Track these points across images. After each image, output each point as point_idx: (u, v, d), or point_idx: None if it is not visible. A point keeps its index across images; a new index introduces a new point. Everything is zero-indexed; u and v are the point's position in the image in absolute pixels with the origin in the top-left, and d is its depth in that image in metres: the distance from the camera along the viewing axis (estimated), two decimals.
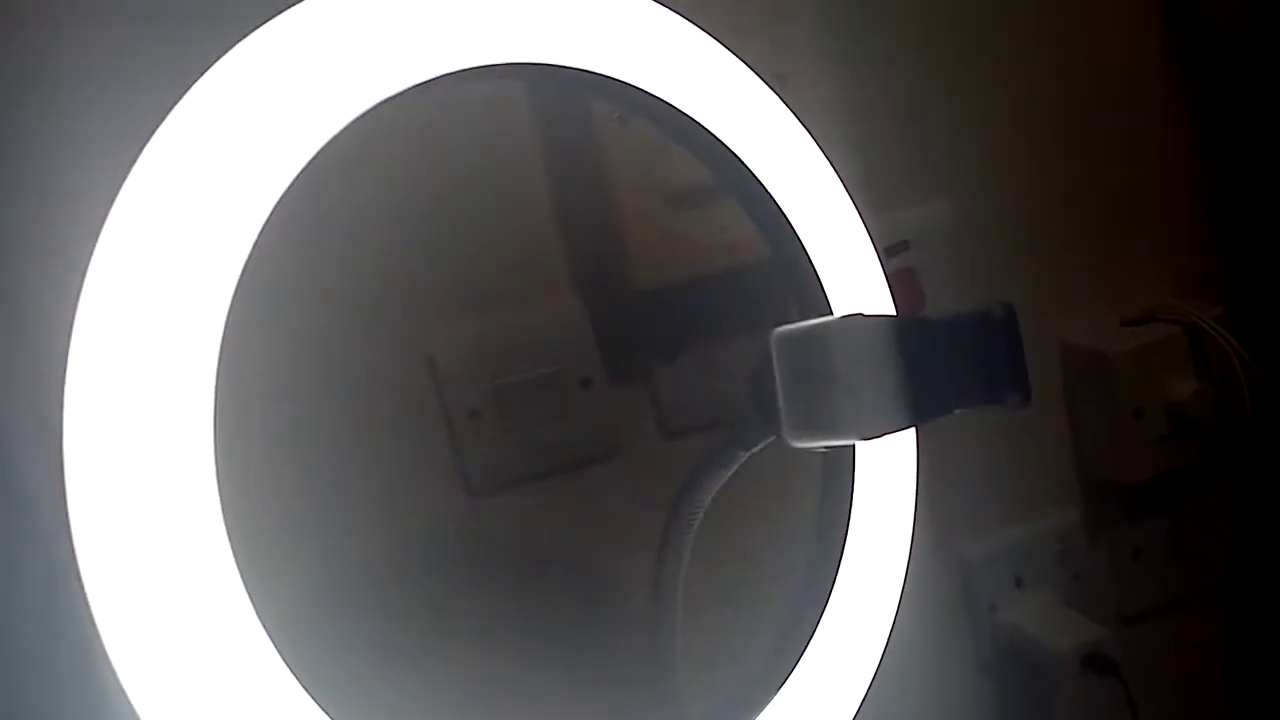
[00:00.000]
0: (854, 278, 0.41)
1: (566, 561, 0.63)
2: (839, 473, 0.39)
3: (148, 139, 0.33)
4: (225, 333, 0.55)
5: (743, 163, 0.36)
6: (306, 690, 0.30)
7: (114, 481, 0.27)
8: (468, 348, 0.60)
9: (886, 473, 0.42)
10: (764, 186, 0.37)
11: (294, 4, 0.34)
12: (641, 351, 0.63)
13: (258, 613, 0.30)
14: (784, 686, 0.37)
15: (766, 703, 0.37)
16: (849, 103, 0.65)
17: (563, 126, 0.59)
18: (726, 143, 0.35)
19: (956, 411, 0.27)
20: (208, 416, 0.29)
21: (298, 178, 0.55)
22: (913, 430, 0.43)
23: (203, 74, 0.33)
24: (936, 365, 0.27)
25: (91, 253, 0.30)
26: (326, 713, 0.30)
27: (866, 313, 0.26)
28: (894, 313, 0.33)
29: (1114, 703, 0.68)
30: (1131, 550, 0.76)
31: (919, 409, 0.27)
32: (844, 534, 0.40)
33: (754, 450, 0.35)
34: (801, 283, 0.38)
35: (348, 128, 0.35)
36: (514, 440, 0.61)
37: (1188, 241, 0.75)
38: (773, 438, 0.33)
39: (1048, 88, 0.72)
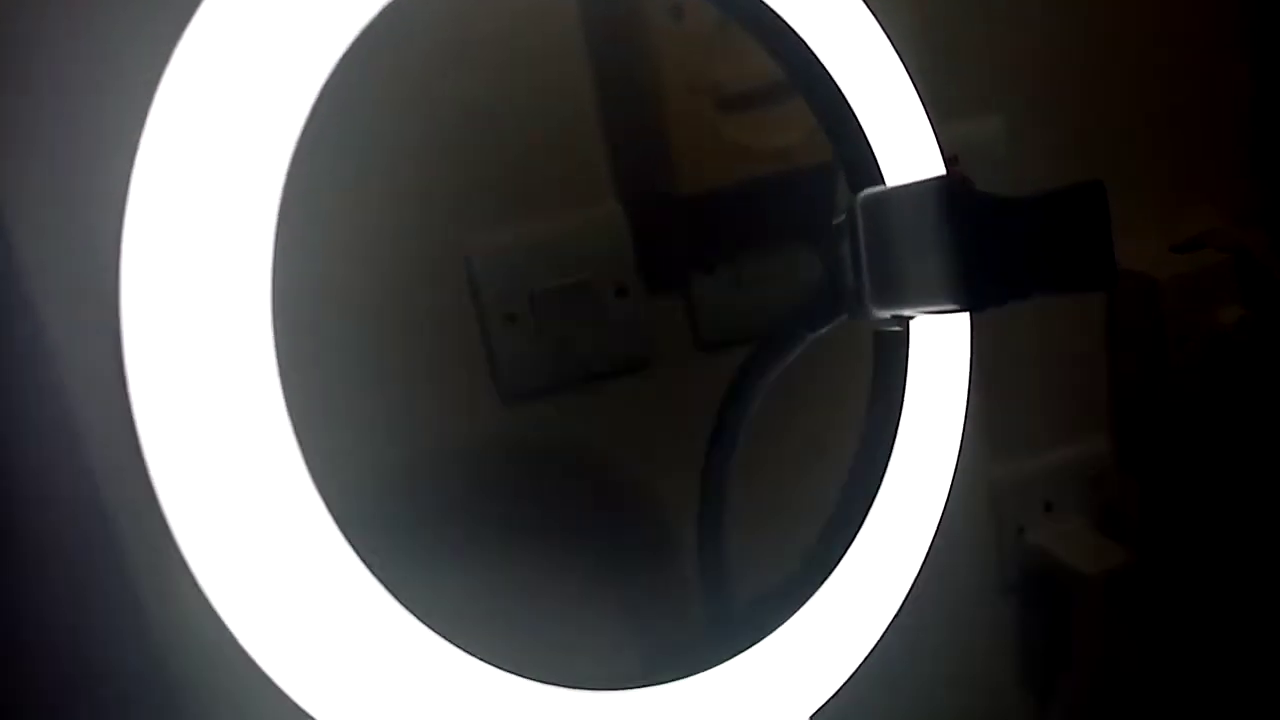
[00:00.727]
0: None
1: (597, 470, 0.63)
2: (893, 367, 0.38)
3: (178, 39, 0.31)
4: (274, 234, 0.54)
5: (809, 49, 0.34)
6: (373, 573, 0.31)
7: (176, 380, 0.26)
8: (505, 251, 0.59)
9: (940, 370, 0.41)
10: (831, 77, 0.35)
11: None
12: (679, 261, 0.62)
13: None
14: (826, 581, 0.37)
15: (808, 598, 0.37)
16: (897, 11, 0.63)
17: (610, 20, 0.57)
18: (792, 25, 0.33)
19: (1043, 294, 0.26)
20: (266, 314, 0.28)
21: (338, 74, 0.54)
22: (967, 331, 0.42)
23: None
24: (1027, 243, 0.26)
25: (131, 166, 0.29)
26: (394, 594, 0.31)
27: (965, 176, 0.25)
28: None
29: (1140, 627, 0.68)
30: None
31: (1013, 284, 0.26)
32: (894, 432, 0.40)
33: (821, 333, 0.34)
34: (862, 186, 0.37)
35: (387, 23, 0.34)
36: (548, 347, 0.60)
37: (1243, 168, 0.73)
38: (843, 317, 0.32)
39: (1106, 5, 0.69)
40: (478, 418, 0.61)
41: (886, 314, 0.29)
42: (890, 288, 0.28)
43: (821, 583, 0.38)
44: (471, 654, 0.33)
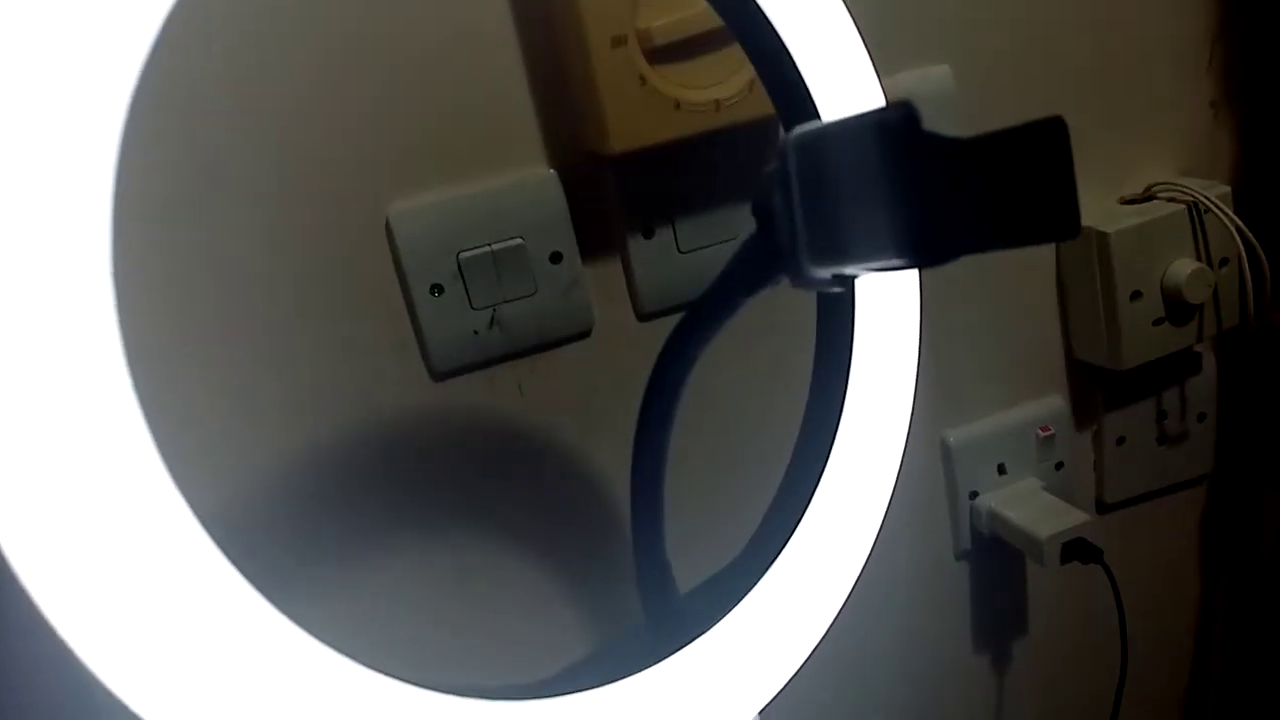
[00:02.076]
0: None
1: (535, 448, 0.60)
2: (837, 332, 0.35)
3: None
4: (163, 200, 0.50)
5: None
6: (255, 586, 0.27)
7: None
8: (427, 216, 0.55)
9: (888, 333, 0.38)
10: (768, 20, 0.32)
11: None
12: (616, 225, 0.59)
13: (192, 507, 0.27)
14: (772, 566, 0.34)
15: (756, 581, 0.34)
16: None
17: None
18: None
19: (1000, 247, 0.23)
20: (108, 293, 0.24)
21: (232, 22, 0.50)
22: (916, 289, 0.39)
23: None
24: (981, 189, 0.23)
25: None
26: (280, 609, 0.27)
27: (910, 103, 0.22)
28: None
29: (1097, 590, 0.67)
30: (1116, 438, 0.74)
31: (966, 237, 0.23)
32: (840, 401, 0.37)
33: (756, 294, 0.31)
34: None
35: None
36: (479, 319, 0.57)
37: (1195, 118, 0.71)
38: (780, 279, 0.29)
39: None
40: (405, 395, 0.57)
41: (826, 273, 0.26)
42: (829, 243, 0.25)
43: (768, 566, 0.35)
44: (379, 663, 0.29)
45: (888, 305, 0.42)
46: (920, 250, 0.22)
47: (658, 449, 0.34)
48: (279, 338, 0.54)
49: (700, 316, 0.32)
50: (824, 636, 0.38)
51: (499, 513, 0.59)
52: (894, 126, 0.23)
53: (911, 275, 0.42)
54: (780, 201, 0.27)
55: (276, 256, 0.53)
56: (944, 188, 0.22)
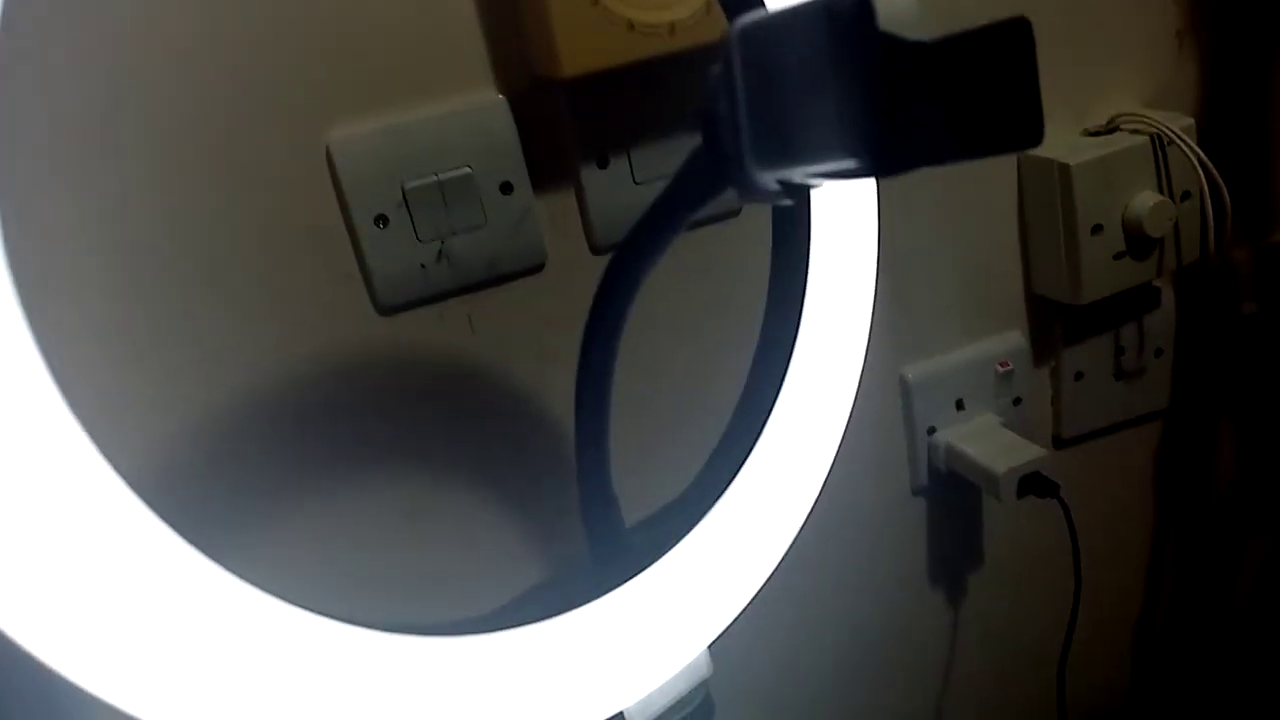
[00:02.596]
0: None
1: (486, 385, 0.59)
2: (791, 251, 0.34)
3: None
4: (84, 131, 0.47)
5: None
6: (197, 534, 0.26)
7: None
8: (370, 144, 0.53)
9: (844, 259, 0.37)
10: None
11: None
12: (568, 154, 0.57)
13: (127, 454, 0.25)
14: (721, 499, 0.33)
15: (705, 514, 0.33)
16: None
17: None
18: None
19: (960, 157, 0.22)
20: None
21: None
22: (874, 209, 0.38)
23: None
24: (939, 93, 0.22)
25: None
26: (222, 555, 0.26)
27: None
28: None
29: (1052, 524, 0.67)
30: (1074, 373, 0.74)
31: (924, 143, 0.21)
32: (794, 331, 0.36)
33: (702, 207, 0.29)
34: None
35: None
36: (427, 251, 0.55)
37: (1160, 47, 0.70)
38: (727, 191, 0.27)
39: None
40: (350, 331, 0.55)
41: (771, 178, 0.24)
42: (774, 143, 0.23)
43: (717, 499, 0.34)
44: (327, 606, 0.28)
45: (844, 232, 0.40)
46: (871, 150, 0.21)
47: (602, 375, 0.32)
48: (217, 272, 0.52)
49: (645, 234, 0.31)
50: (775, 570, 0.38)
51: (449, 451, 0.58)
52: (845, 14, 0.21)
53: (868, 201, 0.41)
54: (725, 104, 0.25)
55: (212, 188, 0.51)
56: (899, 92, 0.21)
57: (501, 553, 0.60)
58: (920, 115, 0.21)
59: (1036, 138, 0.23)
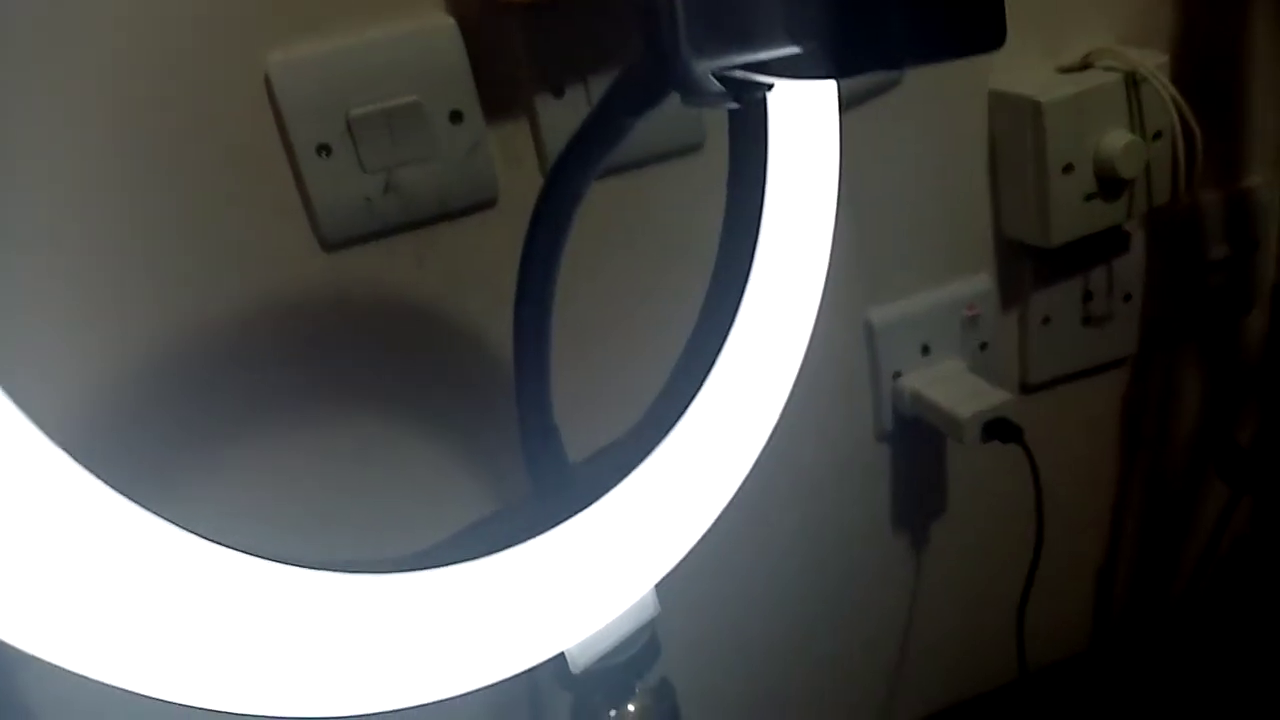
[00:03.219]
0: None
1: (436, 323, 0.56)
2: (748, 178, 0.32)
3: None
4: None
5: None
6: (133, 479, 0.24)
7: None
8: (311, 69, 0.50)
9: (804, 183, 0.35)
10: None
11: None
12: (522, 81, 0.54)
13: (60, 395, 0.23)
14: (670, 435, 0.32)
15: (654, 447, 0.31)
16: None
17: None
18: None
19: (918, 59, 0.20)
20: None
21: None
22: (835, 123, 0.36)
23: None
24: None
25: None
26: (161, 501, 0.24)
27: None
28: None
29: (1016, 470, 0.66)
30: (1042, 318, 0.72)
31: (880, 41, 0.19)
32: (749, 261, 0.34)
33: (642, 114, 0.27)
34: None
35: None
36: (372, 184, 0.53)
37: None
38: (669, 94, 0.25)
39: None
40: (293, 267, 0.53)
41: (710, 69, 0.22)
42: (711, 26, 0.21)
43: (665, 434, 0.33)
44: (267, 548, 0.26)
45: (804, 161, 0.38)
46: (818, 32, 0.19)
47: (542, 298, 0.31)
48: (150, 205, 0.49)
49: (582, 145, 0.29)
50: (731, 510, 0.36)
51: (396, 391, 0.56)
52: None
53: (830, 132, 0.39)
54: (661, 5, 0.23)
55: (141, 116, 0.48)
56: None
57: (450, 493, 0.58)
58: (875, 8, 0.19)
59: (999, 38, 0.21)
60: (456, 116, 0.53)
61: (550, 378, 0.34)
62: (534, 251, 0.30)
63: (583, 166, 0.28)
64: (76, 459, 0.23)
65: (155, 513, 0.24)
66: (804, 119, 0.39)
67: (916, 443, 0.73)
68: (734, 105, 0.24)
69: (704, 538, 0.35)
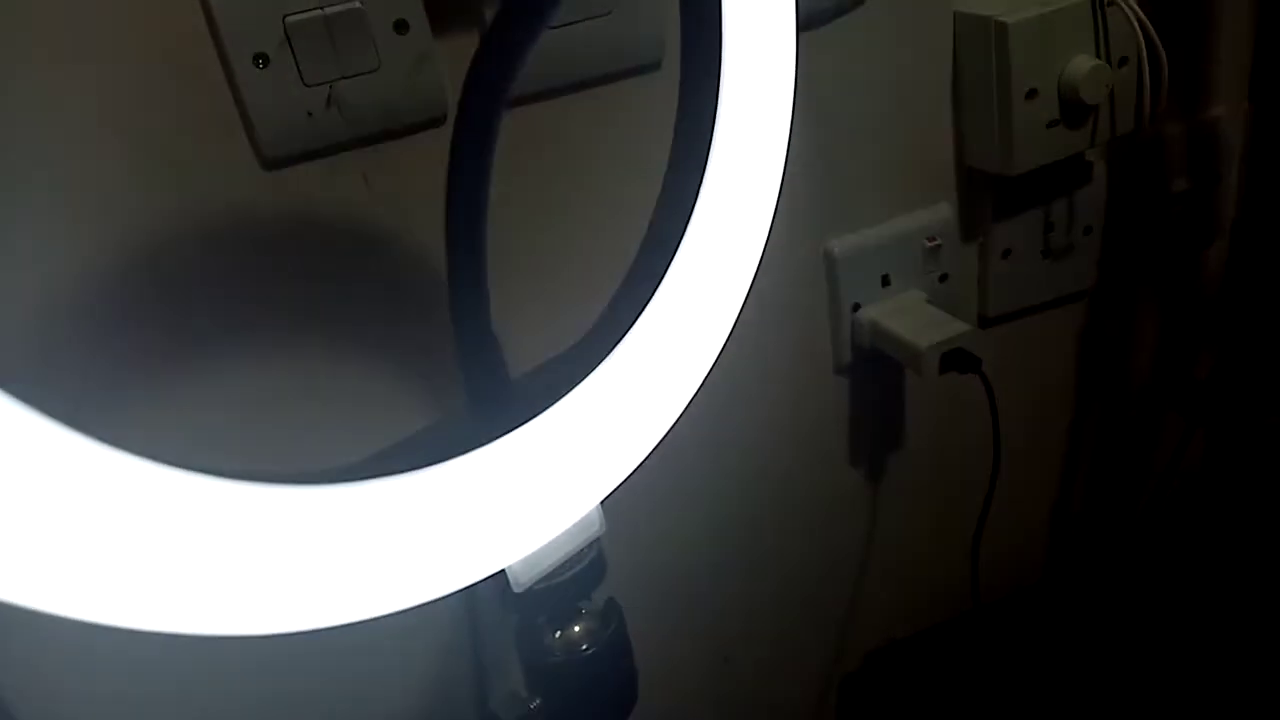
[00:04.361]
0: None
1: (382, 244, 0.55)
2: (700, 89, 0.31)
3: None
4: None
5: None
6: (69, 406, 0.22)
7: None
8: None
9: (758, 102, 0.34)
10: None
11: None
12: None
13: None
14: (613, 353, 0.31)
15: (598, 363, 0.30)
16: None
17: None
18: None
19: None
20: None
21: None
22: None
23: None
24: None
25: None
26: (100, 428, 0.22)
27: None
28: None
29: (974, 404, 0.66)
30: (1003, 250, 0.72)
31: None
32: (699, 172, 0.33)
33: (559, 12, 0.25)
34: None
35: None
36: (313, 97, 0.50)
37: None
38: None
39: None
40: (231, 185, 0.51)
41: None
42: None
43: (608, 352, 0.32)
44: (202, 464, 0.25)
45: (759, 72, 0.37)
46: None
47: (474, 201, 0.29)
48: (71, 120, 0.47)
49: (500, 43, 0.27)
50: (679, 439, 0.35)
51: (341, 312, 0.54)
52: None
53: (787, 50, 0.38)
54: None
55: (67, 14, 0.45)
56: None
57: (398, 417, 0.57)
58: None
59: None
60: (401, 26, 0.51)
61: (486, 283, 0.32)
62: (463, 146, 0.28)
63: (505, 50, 0.27)
64: (10, 392, 0.22)
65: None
66: (760, 34, 0.37)
67: (875, 375, 0.72)
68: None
69: (657, 464, 0.34)
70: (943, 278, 0.71)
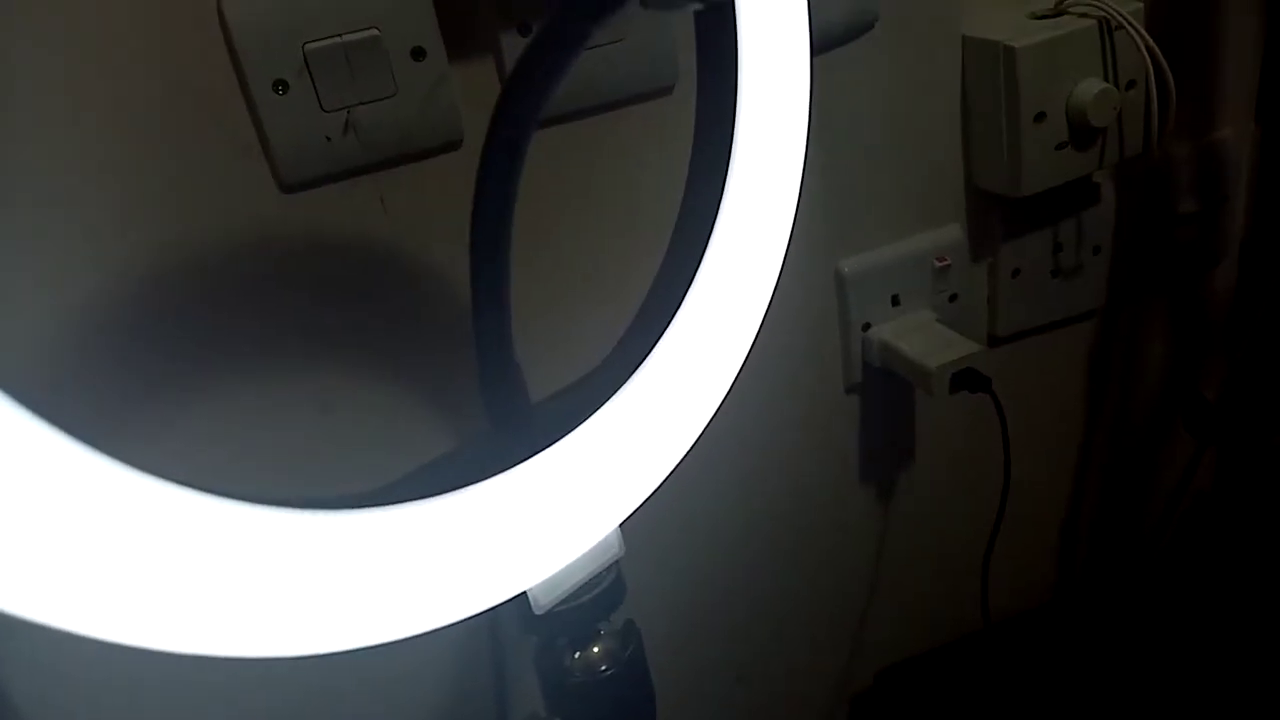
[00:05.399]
0: None
1: (398, 267, 0.55)
2: (719, 108, 0.31)
3: None
4: None
5: None
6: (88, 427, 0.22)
7: None
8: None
9: (774, 121, 0.34)
10: None
11: None
12: (487, 17, 0.53)
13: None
14: (634, 378, 0.31)
15: (618, 387, 0.31)
16: None
17: None
18: None
19: None
20: None
21: None
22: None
23: None
24: None
25: None
26: (119, 448, 0.22)
27: None
28: None
29: (984, 422, 0.66)
30: (1012, 270, 0.72)
31: None
32: (717, 199, 0.33)
33: (600, 21, 0.26)
34: None
35: None
36: (331, 122, 0.51)
37: None
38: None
39: None
40: (251, 208, 0.52)
41: None
42: None
43: (629, 376, 0.32)
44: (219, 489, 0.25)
45: (774, 96, 0.37)
46: None
47: (500, 221, 0.29)
48: (101, 146, 0.47)
49: (540, 54, 0.27)
50: (698, 453, 0.36)
51: (358, 336, 0.55)
52: None
53: (801, 73, 0.38)
54: None
55: (94, 46, 0.46)
56: None
57: (414, 439, 0.57)
58: None
59: None
60: (419, 53, 0.51)
61: (509, 309, 0.33)
62: (491, 170, 0.29)
63: (538, 77, 0.27)
64: (31, 409, 0.22)
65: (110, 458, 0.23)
66: (775, 59, 0.38)
67: (885, 395, 0.73)
68: (698, 6, 0.23)
69: (672, 487, 0.35)
70: (952, 298, 0.71)
